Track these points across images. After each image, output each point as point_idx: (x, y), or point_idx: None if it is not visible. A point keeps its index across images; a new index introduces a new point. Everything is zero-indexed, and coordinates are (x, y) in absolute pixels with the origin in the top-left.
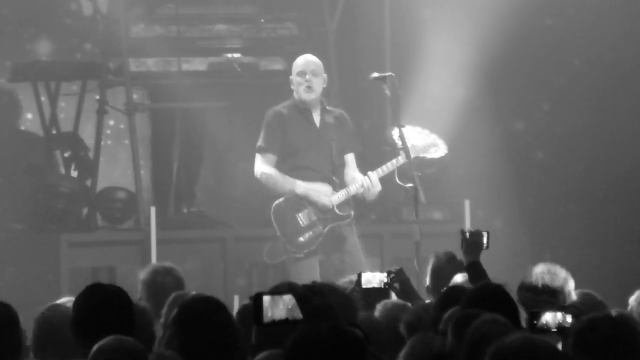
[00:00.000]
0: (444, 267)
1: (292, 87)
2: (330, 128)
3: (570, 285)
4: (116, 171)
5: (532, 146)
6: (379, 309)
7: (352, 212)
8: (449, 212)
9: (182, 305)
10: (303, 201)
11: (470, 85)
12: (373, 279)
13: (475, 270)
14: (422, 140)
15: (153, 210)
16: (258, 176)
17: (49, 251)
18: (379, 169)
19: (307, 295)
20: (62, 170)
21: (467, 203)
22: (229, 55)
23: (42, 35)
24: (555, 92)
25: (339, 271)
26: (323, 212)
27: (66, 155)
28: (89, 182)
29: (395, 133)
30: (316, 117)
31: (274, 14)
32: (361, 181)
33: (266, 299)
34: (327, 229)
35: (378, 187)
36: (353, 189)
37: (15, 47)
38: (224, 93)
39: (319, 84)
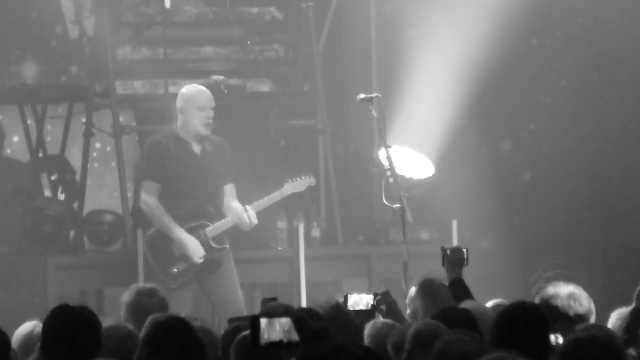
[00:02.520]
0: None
1: (182, 115)
2: (209, 157)
3: (592, 319)
4: (103, 194)
5: (519, 166)
6: (368, 329)
7: (227, 246)
8: (436, 233)
9: (149, 326)
10: None
11: (457, 105)
12: (360, 301)
13: (458, 287)
14: (410, 161)
15: (140, 233)
16: (141, 205)
17: (36, 274)
18: (259, 202)
19: (304, 318)
20: (49, 194)
21: (454, 223)
22: (216, 77)
23: (29, 58)
24: (542, 112)
25: (213, 300)
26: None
27: (53, 178)
28: (76, 205)
29: (382, 154)
30: (196, 147)
31: (261, 36)
32: (238, 215)
33: (263, 321)
34: (202, 261)
35: (255, 221)
36: (229, 222)
37: (1, 70)
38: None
39: None
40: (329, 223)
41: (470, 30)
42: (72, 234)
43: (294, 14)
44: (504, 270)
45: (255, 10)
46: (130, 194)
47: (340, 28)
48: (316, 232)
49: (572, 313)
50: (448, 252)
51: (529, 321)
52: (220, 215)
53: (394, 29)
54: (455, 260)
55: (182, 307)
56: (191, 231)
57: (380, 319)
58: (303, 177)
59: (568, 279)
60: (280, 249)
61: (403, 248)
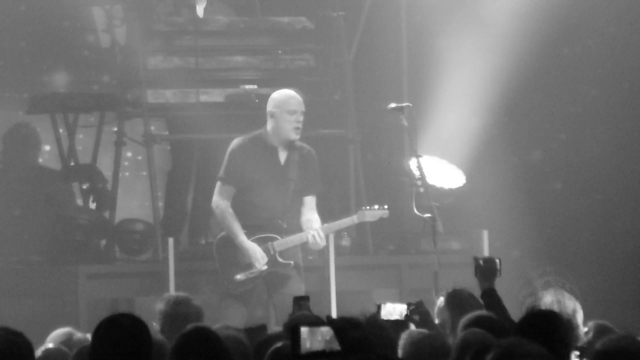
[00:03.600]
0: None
1: (272, 120)
2: (293, 167)
3: (579, 316)
4: (134, 203)
5: (549, 176)
6: (403, 338)
7: (292, 262)
8: (467, 242)
9: (178, 337)
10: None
11: (487, 115)
12: (393, 311)
13: (491, 297)
14: (440, 171)
15: (171, 241)
16: (212, 206)
17: (67, 283)
18: (330, 225)
19: (345, 327)
20: (81, 202)
21: (485, 233)
22: (247, 86)
23: (60, 67)
24: (572, 121)
25: (278, 314)
26: (266, 250)
27: (84, 187)
28: (107, 214)
29: (413, 163)
30: (282, 154)
31: (291, 45)
32: (307, 234)
33: (304, 330)
34: (265, 272)
35: (323, 243)
36: (298, 238)
37: (33, 79)
38: (242, 124)
39: None
40: (359, 232)
41: (501, 40)
42: (103, 242)
43: (325, 23)
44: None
45: (285, 19)
46: (161, 203)
47: (370, 37)
48: (346, 241)
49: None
50: (480, 262)
51: (548, 328)
52: (291, 229)
53: (424, 38)
54: (487, 270)
55: (237, 314)
56: (258, 242)
57: (413, 329)
58: (377, 207)
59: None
60: (310, 257)
61: (433, 257)
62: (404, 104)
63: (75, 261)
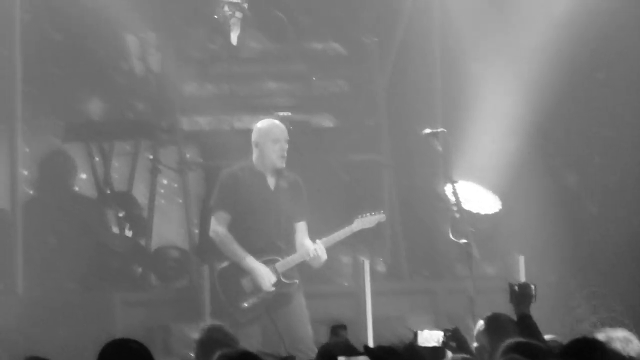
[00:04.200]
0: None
1: (257, 149)
2: (283, 193)
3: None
4: (170, 230)
5: (585, 200)
6: None
7: (297, 281)
8: (503, 268)
9: None
10: None
11: (522, 139)
12: (430, 337)
13: (526, 323)
14: (476, 196)
15: (206, 268)
16: (211, 235)
17: (103, 310)
18: (328, 238)
19: (382, 356)
20: (116, 230)
21: (521, 259)
22: (281, 113)
23: (95, 95)
24: (606, 145)
25: (281, 335)
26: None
27: (120, 214)
28: (142, 241)
29: (448, 188)
30: (270, 181)
31: (324, 71)
32: (308, 250)
33: (341, 359)
34: (271, 295)
35: (324, 257)
36: (298, 257)
37: (68, 107)
38: None
39: None
40: (394, 258)
41: (535, 64)
42: (139, 270)
43: (358, 49)
44: (571, 305)
45: (319, 45)
46: (196, 230)
47: (404, 62)
48: (381, 267)
49: (627, 355)
50: (515, 287)
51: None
52: (290, 250)
53: (457, 63)
54: (522, 295)
55: (252, 341)
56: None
57: (451, 356)
58: (373, 213)
59: (613, 323)
60: (345, 284)
61: (469, 283)
62: (439, 130)
63: (111, 288)
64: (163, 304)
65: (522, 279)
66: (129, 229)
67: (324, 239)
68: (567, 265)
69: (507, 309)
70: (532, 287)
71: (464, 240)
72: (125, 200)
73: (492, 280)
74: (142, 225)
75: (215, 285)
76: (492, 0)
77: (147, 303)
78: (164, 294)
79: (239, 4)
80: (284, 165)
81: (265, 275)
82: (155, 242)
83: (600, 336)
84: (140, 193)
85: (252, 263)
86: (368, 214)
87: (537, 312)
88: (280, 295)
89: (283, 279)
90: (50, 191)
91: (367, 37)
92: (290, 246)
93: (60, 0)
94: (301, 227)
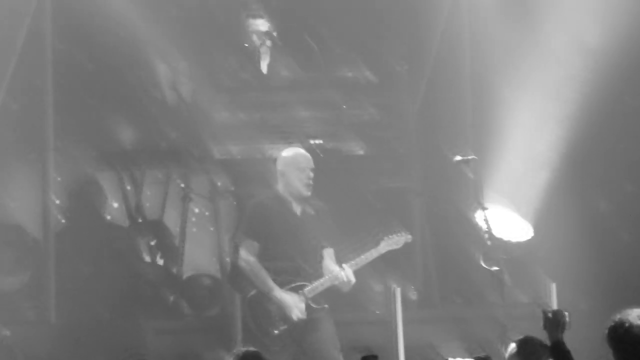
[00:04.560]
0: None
1: (283, 178)
2: (310, 219)
3: None
4: (202, 258)
5: (617, 227)
6: None
7: (326, 305)
8: (535, 295)
9: None
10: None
11: (553, 166)
12: None
13: (559, 350)
14: (507, 223)
15: (238, 296)
16: (241, 264)
17: (135, 338)
18: (356, 260)
19: None
20: (148, 258)
21: (553, 286)
22: (312, 141)
23: (127, 124)
24: (638, 172)
25: (310, 352)
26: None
27: (152, 243)
28: (174, 270)
29: (479, 216)
30: (297, 208)
31: (355, 99)
32: (336, 275)
33: None
34: (301, 322)
35: (352, 280)
36: (327, 281)
37: (100, 136)
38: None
39: None
40: (425, 285)
41: (566, 89)
42: (172, 298)
43: (388, 77)
44: (603, 333)
45: (350, 73)
46: (228, 258)
47: (435, 89)
48: (413, 295)
49: None
50: (549, 314)
51: None
52: (318, 275)
53: (488, 90)
54: (556, 322)
55: None
56: (290, 292)
57: None
58: (398, 234)
59: None
60: (377, 312)
61: (501, 310)
62: (470, 157)
63: (144, 317)
64: (195, 332)
65: (554, 306)
66: (161, 257)
67: (351, 262)
68: (599, 293)
69: (539, 336)
70: (566, 314)
71: (496, 268)
72: (157, 228)
73: (524, 307)
74: (173, 253)
75: (245, 313)
76: (522, 27)
77: (179, 331)
78: (196, 322)
79: (269, 33)
80: (309, 193)
81: (294, 306)
82: (187, 270)
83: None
84: (172, 221)
85: (280, 293)
86: (395, 235)
87: (569, 340)
88: (310, 321)
89: (312, 304)
90: (83, 220)
91: (398, 64)
92: (318, 271)
93: (93, 30)
94: (329, 254)
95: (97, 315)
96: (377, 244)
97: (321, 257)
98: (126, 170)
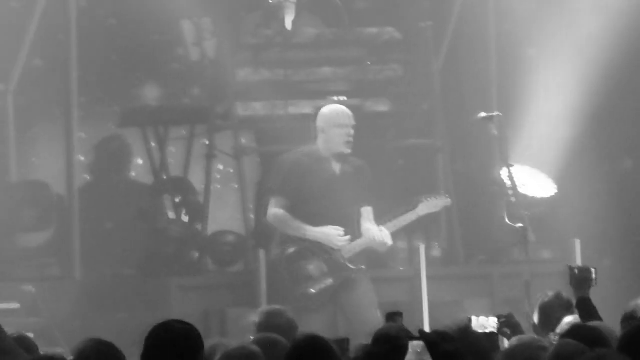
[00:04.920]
0: (553, 305)
1: (323, 134)
2: (349, 178)
3: None
4: (225, 215)
5: None
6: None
7: (363, 266)
8: (559, 251)
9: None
10: (314, 251)
11: (578, 123)
12: (485, 323)
13: (585, 306)
14: (531, 180)
15: (262, 253)
16: (269, 219)
17: (159, 295)
18: (393, 222)
19: (436, 340)
20: (173, 215)
21: (577, 242)
22: (335, 97)
23: (150, 81)
24: None
25: (349, 320)
26: (335, 258)
27: (176, 200)
28: (199, 227)
29: (503, 173)
30: (336, 166)
31: (379, 55)
32: (374, 235)
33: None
34: (339, 281)
35: (389, 242)
36: (364, 242)
37: (123, 93)
38: None
39: None
40: (449, 242)
41: (590, 47)
42: (196, 255)
43: (413, 33)
44: (627, 289)
45: (374, 30)
46: (252, 215)
47: (459, 46)
48: (437, 252)
49: None
50: (575, 271)
51: None
52: (354, 236)
53: (513, 47)
54: (582, 279)
55: (319, 328)
56: (324, 250)
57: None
58: (437, 197)
59: None
60: (401, 268)
61: (525, 267)
62: (494, 113)
63: (168, 274)
64: (219, 288)
65: (579, 262)
66: (185, 214)
67: (389, 224)
68: (622, 249)
69: (564, 292)
70: (593, 270)
71: (520, 225)
72: (181, 185)
73: (549, 264)
74: (198, 211)
75: (281, 270)
76: None
77: (203, 287)
78: (220, 278)
79: None
80: (349, 150)
81: (333, 233)
82: (212, 227)
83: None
84: (196, 178)
85: (316, 230)
86: (433, 198)
87: (594, 296)
88: (347, 281)
89: (349, 264)
90: (107, 177)
91: (422, 21)
92: (353, 233)
93: None
94: (367, 212)
95: (121, 272)
96: (415, 206)
97: (359, 217)
98: (150, 127)
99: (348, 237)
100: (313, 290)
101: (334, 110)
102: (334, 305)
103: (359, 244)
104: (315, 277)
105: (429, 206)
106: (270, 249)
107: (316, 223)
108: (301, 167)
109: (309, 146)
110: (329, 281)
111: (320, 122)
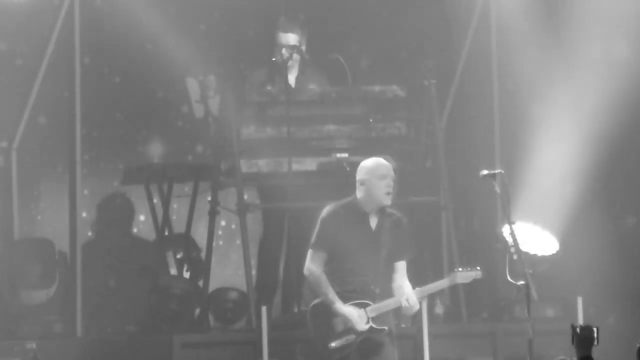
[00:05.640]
0: None
1: (363, 187)
2: (385, 233)
3: None
4: (228, 271)
5: None
6: None
7: (386, 327)
8: (561, 309)
9: None
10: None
11: (581, 180)
12: None
13: None
14: (534, 237)
15: (264, 310)
16: (305, 273)
17: (161, 352)
18: (424, 288)
19: None
20: (175, 272)
21: (579, 300)
22: (338, 155)
23: (155, 138)
24: None
25: None
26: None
27: (178, 256)
28: (201, 283)
29: (506, 230)
30: (373, 221)
31: (383, 113)
32: (407, 297)
33: None
34: (360, 339)
35: (417, 306)
36: (392, 303)
37: (127, 150)
38: (334, 192)
39: None
40: (452, 299)
41: (593, 105)
42: (198, 311)
43: (416, 91)
44: (631, 347)
45: (377, 88)
46: (254, 272)
47: (462, 104)
48: (439, 309)
49: None
50: (577, 329)
51: None
52: (384, 296)
53: (516, 105)
54: (585, 338)
55: None
56: (352, 306)
57: None
58: (471, 269)
59: None
60: (403, 325)
61: (528, 325)
62: (497, 171)
63: (170, 330)
64: (221, 345)
65: (581, 320)
66: (187, 271)
67: (418, 289)
68: (626, 307)
69: (566, 351)
70: (595, 329)
71: (522, 282)
72: (183, 241)
73: (551, 321)
74: (200, 267)
75: (306, 321)
76: (549, 42)
77: (205, 344)
78: (222, 335)
79: (297, 47)
80: (389, 202)
81: (358, 318)
82: (214, 283)
83: None
84: (198, 235)
85: (343, 308)
86: (467, 269)
87: (597, 355)
88: (370, 341)
89: (373, 324)
90: (109, 233)
91: (426, 78)
92: (384, 291)
93: (119, 44)
94: (401, 267)
95: (123, 328)
96: (448, 274)
97: (392, 272)
98: (153, 184)
99: (369, 325)
100: (334, 345)
101: (375, 162)
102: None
103: (388, 304)
104: (338, 331)
105: (459, 277)
106: (272, 306)
107: (349, 280)
108: (337, 219)
109: (349, 198)
110: (352, 337)
111: (361, 174)
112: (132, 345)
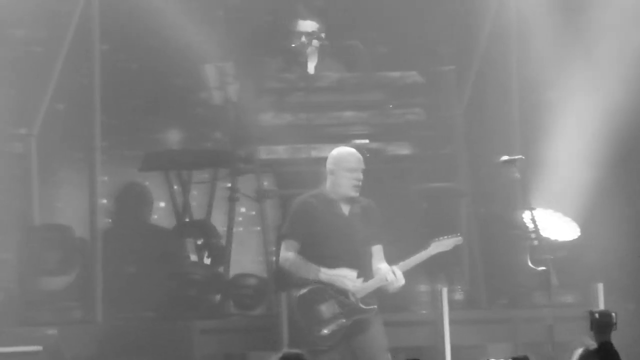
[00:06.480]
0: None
1: (331, 177)
2: (357, 218)
3: None
4: (247, 258)
5: None
6: None
7: (375, 306)
8: (581, 296)
9: None
10: (327, 292)
11: (601, 166)
12: None
13: (607, 351)
14: (554, 223)
15: (284, 296)
16: (280, 263)
17: (181, 339)
18: (405, 262)
19: None
20: (195, 258)
21: (600, 286)
22: (357, 141)
23: (173, 125)
24: None
25: (359, 353)
26: (347, 299)
27: (199, 242)
28: (221, 269)
29: (526, 216)
30: (344, 208)
31: (401, 99)
32: (385, 275)
33: None
34: (350, 322)
35: (402, 281)
36: (376, 282)
37: (146, 136)
38: None
39: None
40: (472, 286)
41: (611, 90)
42: (217, 298)
43: (435, 77)
44: None
45: (396, 74)
46: (273, 257)
47: (481, 90)
48: (459, 295)
49: None
50: (596, 315)
51: None
52: (365, 277)
53: (535, 91)
54: (603, 323)
55: None
56: (337, 291)
57: None
58: (449, 236)
59: None
60: (423, 312)
61: (548, 311)
62: (517, 157)
63: (190, 317)
64: (241, 331)
65: (602, 306)
66: (207, 257)
67: (401, 264)
68: None
69: (585, 336)
70: (613, 314)
71: (542, 268)
72: (203, 228)
73: (571, 308)
74: (220, 253)
75: (294, 311)
76: (569, 28)
77: (225, 331)
78: (241, 321)
79: (316, 33)
80: (357, 194)
81: (347, 275)
82: (233, 270)
83: None
84: (218, 221)
85: (331, 271)
86: (444, 237)
87: (617, 340)
88: (359, 322)
89: (361, 305)
90: (129, 220)
91: (445, 65)
92: (365, 273)
93: (138, 31)
94: (377, 251)
95: (143, 315)
96: (427, 246)
97: (369, 256)
98: (173, 171)
99: (362, 279)
100: (326, 331)
101: (344, 153)
102: (346, 346)
103: (371, 284)
104: (327, 317)
105: (440, 245)
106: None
107: (328, 265)
108: (309, 208)
109: (318, 189)
110: (341, 321)
111: (329, 164)
112: (152, 331)
